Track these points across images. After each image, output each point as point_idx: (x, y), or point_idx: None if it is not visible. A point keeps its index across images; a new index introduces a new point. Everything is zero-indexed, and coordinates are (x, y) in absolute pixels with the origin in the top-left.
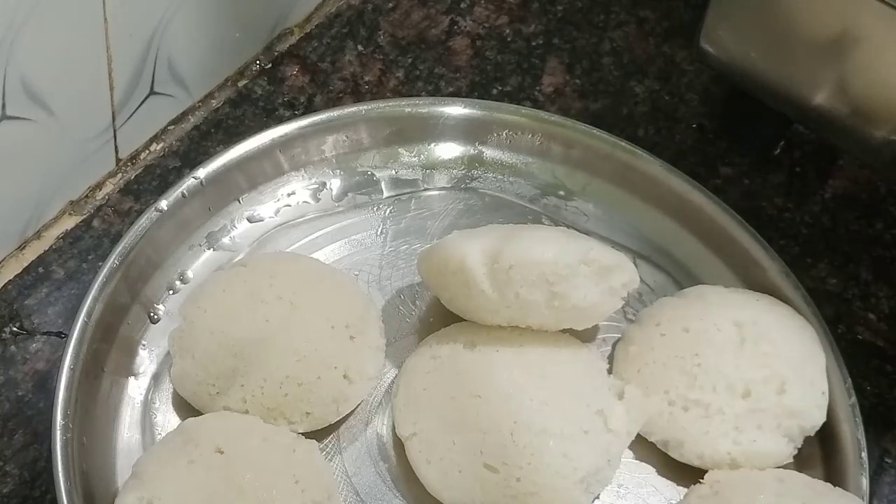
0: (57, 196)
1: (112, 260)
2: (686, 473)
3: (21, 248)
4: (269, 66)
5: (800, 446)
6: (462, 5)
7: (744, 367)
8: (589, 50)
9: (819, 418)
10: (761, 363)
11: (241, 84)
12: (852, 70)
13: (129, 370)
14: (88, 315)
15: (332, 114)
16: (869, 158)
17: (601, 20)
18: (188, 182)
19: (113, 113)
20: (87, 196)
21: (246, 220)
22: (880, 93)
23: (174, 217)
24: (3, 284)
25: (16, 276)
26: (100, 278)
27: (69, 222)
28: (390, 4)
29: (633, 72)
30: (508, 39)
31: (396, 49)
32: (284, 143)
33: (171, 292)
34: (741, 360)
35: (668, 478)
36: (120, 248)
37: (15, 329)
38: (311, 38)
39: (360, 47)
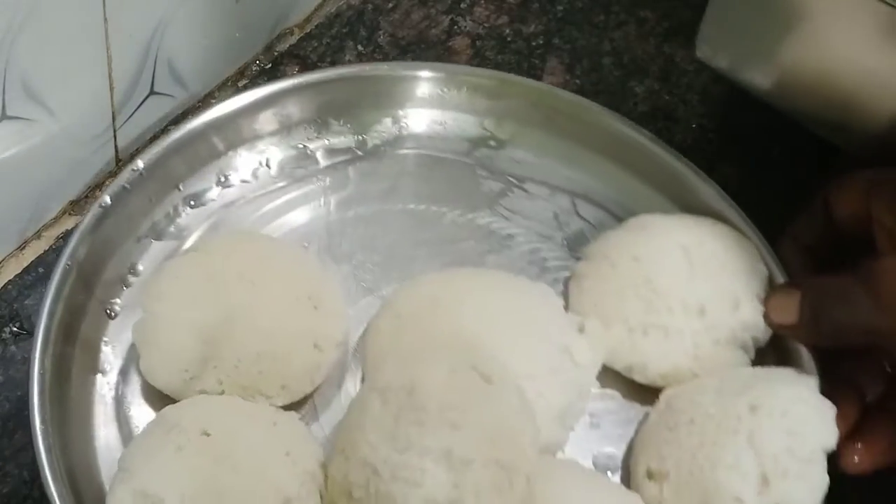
0: (57, 196)
1: (64, 261)
2: (650, 394)
3: (21, 248)
4: (269, 66)
5: (753, 357)
6: (462, 5)
7: (696, 287)
8: (589, 50)
9: (770, 329)
10: (712, 282)
11: (241, 84)
12: (849, 75)
13: (95, 368)
14: (50, 317)
15: (258, 91)
16: (867, 155)
17: (601, 20)
18: (128, 174)
19: (113, 113)
20: (87, 196)
21: (189, 207)
22: (879, 92)
23: (118, 211)
24: (3, 284)
25: (16, 276)
26: (55, 281)
27: (69, 222)
28: (390, 4)
29: (633, 72)
30: (508, 39)
31: (396, 49)
32: (217, 126)
33: (124, 287)
34: (693, 281)
35: (634, 400)
36: (70, 249)
37: (15, 329)
38: (311, 38)
39: (360, 47)
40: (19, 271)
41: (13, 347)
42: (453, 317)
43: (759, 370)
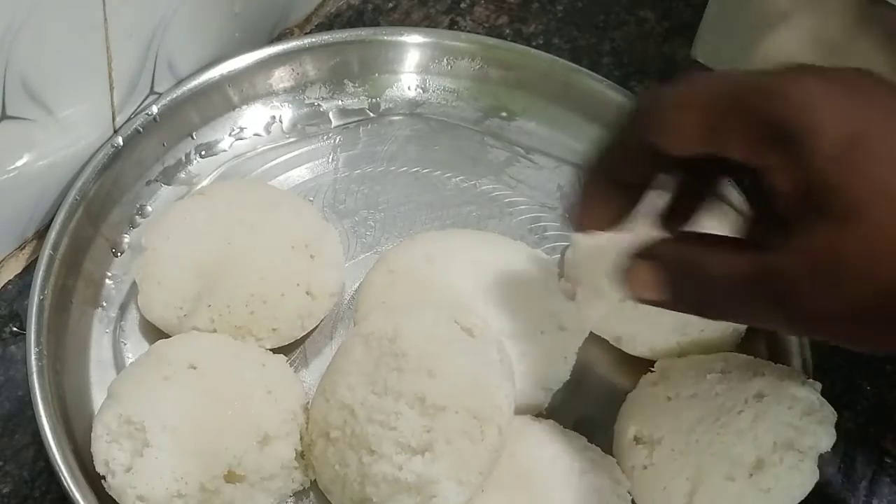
0: (57, 196)
1: (73, 195)
2: (637, 366)
3: (21, 248)
4: None
5: (743, 334)
6: (462, 5)
7: None
8: (589, 50)
9: None
10: None
11: None
12: None
13: (96, 301)
14: (55, 248)
15: (276, 48)
16: None
17: (601, 20)
18: (142, 118)
19: (113, 113)
20: None
21: (200, 155)
22: None
23: (131, 153)
24: (3, 284)
25: (16, 276)
26: (62, 213)
27: None
28: (390, 4)
29: (633, 72)
30: (509, 39)
31: None
32: (233, 79)
33: (132, 227)
34: None
35: (621, 371)
36: (80, 184)
37: (15, 329)
38: None
39: None
40: (19, 271)
41: (13, 347)
42: (445, 274)
43: (767, 363)
